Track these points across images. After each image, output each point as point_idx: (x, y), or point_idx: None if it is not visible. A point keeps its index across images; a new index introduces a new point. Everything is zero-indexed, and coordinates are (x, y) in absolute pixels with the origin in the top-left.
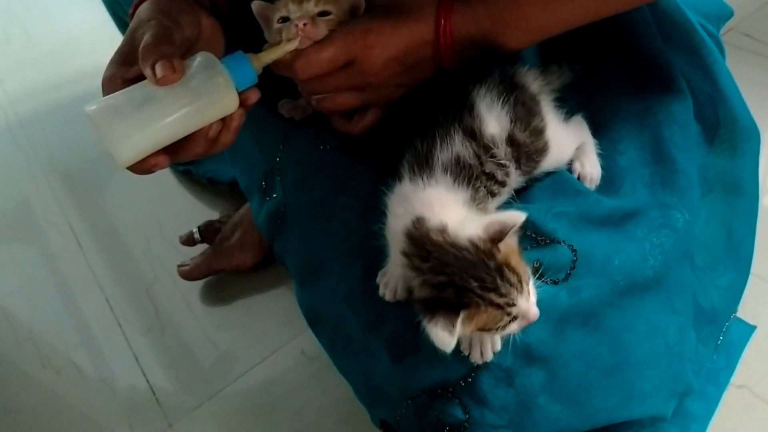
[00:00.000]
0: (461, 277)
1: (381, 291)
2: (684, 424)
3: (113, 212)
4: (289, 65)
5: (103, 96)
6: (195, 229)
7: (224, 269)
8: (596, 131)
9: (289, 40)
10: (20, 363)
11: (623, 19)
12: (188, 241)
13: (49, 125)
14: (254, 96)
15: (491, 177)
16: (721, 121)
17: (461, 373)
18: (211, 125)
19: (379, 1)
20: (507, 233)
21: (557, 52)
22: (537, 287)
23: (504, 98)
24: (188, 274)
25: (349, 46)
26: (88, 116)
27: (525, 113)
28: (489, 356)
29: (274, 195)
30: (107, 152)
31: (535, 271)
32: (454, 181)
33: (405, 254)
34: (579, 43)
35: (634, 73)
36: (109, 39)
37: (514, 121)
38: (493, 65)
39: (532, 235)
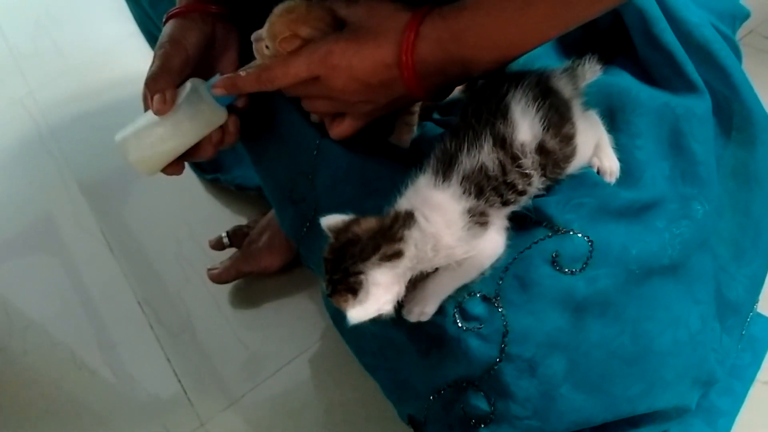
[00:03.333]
0: None
1: None
2: (711, 419)
3: (144, 219)
4: (256, 79)
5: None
6: (224, 234)
7: (253, 272)
8: (614, 126)
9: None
10: (55, 365)
11: (636, 17)
12: (217, 245)
13: (80, 134)
14: (242, 103)
15: (511, 187)
16: (736, 115)
17: (484, 365)
18: (211, 134)
19: (353, 18)
20: None
21: (574, 52)
22: (554, 278)
23: (539, 103)
24: (218, 277)
25: (311, 65)
26: (116, 144)
27: (558, 119)
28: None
29: (302, 199)
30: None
31: (552, 261)
32: (464, 192)
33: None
34: (595, 42)
35: (652, 70)
36: (137, 50)
37: (547, 128)
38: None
39: (547, 226)
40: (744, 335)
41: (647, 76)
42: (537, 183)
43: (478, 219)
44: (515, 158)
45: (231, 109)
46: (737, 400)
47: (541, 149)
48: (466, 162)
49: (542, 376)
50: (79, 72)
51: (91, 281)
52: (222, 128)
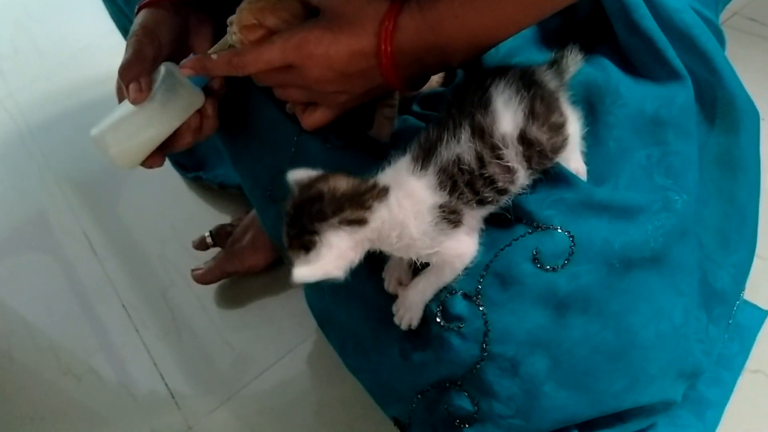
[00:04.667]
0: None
1: (386, 284)
2: (700, 410)
3: (126, 219)
4: (227, 63)
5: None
6: (207, 233)
7: (237, 271)
8: (593, 117)
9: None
10: (41, 371)
11: (615, 3)
12: (201, 245)
13: (61, 134)
14: (218, 83)
15: (490, 183)
16: (719, 101)
17: (466, 364)
18: (189, 120)
19: (328, 6)
20: None
21: (554, 41)
22: (535, 276)
23: (522, 94)
24: (202, 277)
25: (286, 53)
26: (91, 139)
27: (544, 109)
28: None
29: (283, 198)
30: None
31: (533, 258)
32: (439, 184)
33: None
34: (575, 31)
35: (632, 57)
36: (116, 47)
37: (530, 117)
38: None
39: (527, 223)
40: (731, 324)
41: (628, 64)
42: (522, 179)
43: (449, 216)
44: (495, 148)
45: (207, 91)
46: (726, 390)
47: (526, 139)
48: (444, 153)
49: (525, 375)
50: (59, 71)
51: (74, 285)
52: (200, 112)
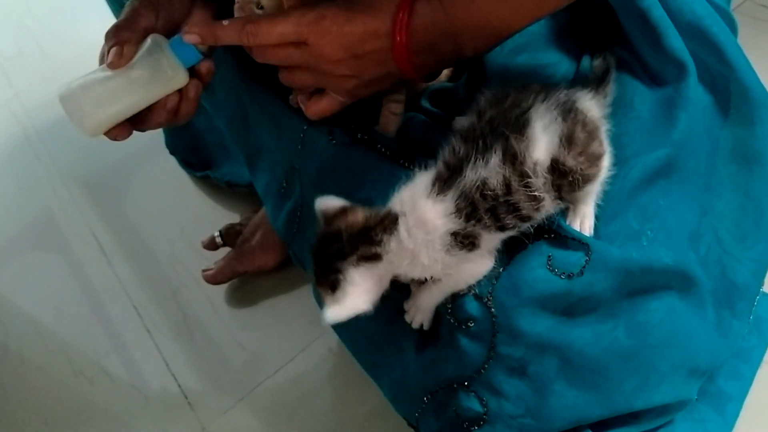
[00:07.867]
0: None
1: (408, 317)
2: (719, 405)
3: (135, 219)
4: (239, 30)
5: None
6: (216, 233)
7: (247, 271)
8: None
9: None
10: (53, 373)
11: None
12: (210, 245)
13: (67, 135)
14: (205, 68)
15: (514, 209)
16: (733, 94)
17: (474, 364)
18: (167, 98)
19: None
20: None
21: (563, 37)
22: (548, 282)
23: (563, 119)
24: (213, 278)
25: (301, 26)
26: (59, 98)
27: (585, 136)
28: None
29: (294, 194)
30: (75, 127)
31: (547, 264)
32: (456, 211)
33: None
34: (585, 26)
35: (640, 55)
36: None
37: (567, 145)
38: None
39: (545, 228)
40: (751, 319)
41: (639, 64)
42: (548, 207)
43: (462, 241)
44: (524, 176)
45: (192, 73)
46: (745, 383)
47: (558, 168)
48: (470, 175)
49: (534, 374)
50: (64, 72)
51: (84, 286)
52: (180, 93)
